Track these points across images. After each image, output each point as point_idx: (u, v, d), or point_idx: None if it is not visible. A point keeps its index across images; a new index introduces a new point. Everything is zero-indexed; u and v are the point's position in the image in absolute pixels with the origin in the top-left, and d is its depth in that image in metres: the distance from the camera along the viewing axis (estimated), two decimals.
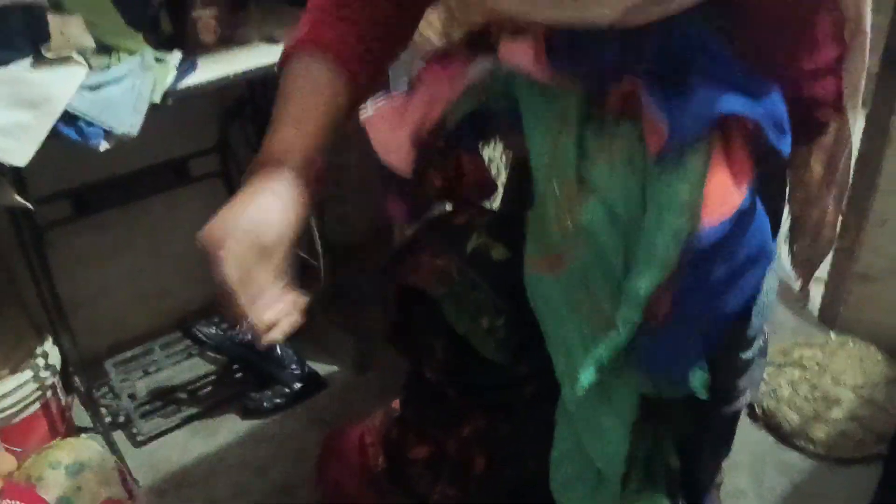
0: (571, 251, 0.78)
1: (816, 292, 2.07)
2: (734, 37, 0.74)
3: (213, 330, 1.90)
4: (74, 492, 0.92)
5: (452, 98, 0.85)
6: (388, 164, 0.90)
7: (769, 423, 1.76)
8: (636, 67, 0.73)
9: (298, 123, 0.81)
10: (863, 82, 0.80)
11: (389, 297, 1.02)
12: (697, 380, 0.80)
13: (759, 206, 0.75)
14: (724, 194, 0.70)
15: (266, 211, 0.76)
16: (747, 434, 1.73)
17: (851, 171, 0.88)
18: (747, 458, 1.69)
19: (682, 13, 0.68)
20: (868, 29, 0.78)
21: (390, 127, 0.87)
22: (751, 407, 1.79)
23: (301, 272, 1.07)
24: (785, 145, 0.73)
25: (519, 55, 0.78)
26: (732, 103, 0.70)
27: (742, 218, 0.72)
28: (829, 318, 2.02)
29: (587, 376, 0.77)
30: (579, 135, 0.76)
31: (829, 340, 1.91)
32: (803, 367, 1.83)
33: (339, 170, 2.02)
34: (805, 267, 1.00)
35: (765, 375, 1.86)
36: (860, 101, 0.82)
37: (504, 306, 0.94)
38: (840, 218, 0.93)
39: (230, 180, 1.93)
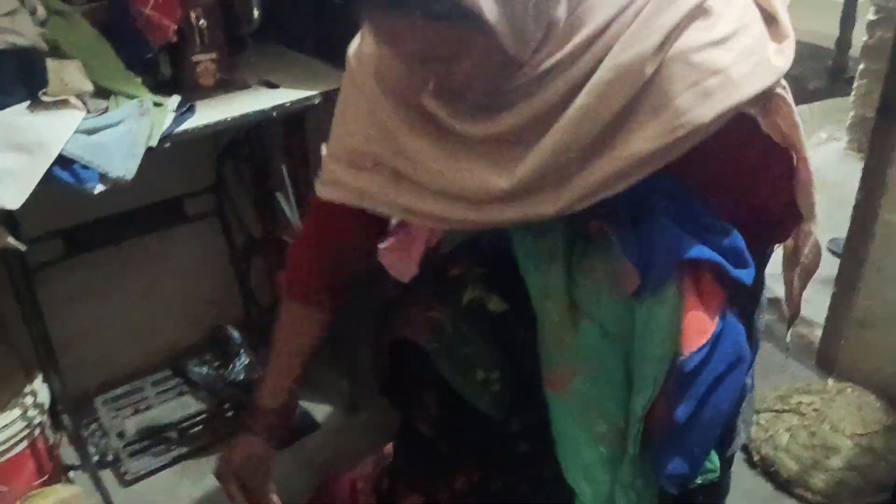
0: (574, 369, 0.86)
1: (814, 337, 2.06)
2: (687, 175, 0.82)
3: (204, 369, 1.87)
4: None
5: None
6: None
7: (767, 470, 1.74)
8: (602, 211, 0.81)
9: (280, 376, 1.16)
10: (814, 193, 0.87)
11: (381, 349, 1.01)
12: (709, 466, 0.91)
13: (732, 318, 0.84)
14: (698, 325, 0.80)
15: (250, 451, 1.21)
16: (744, 481, 1.71)
17: (820, 257, 0.94)
18: None
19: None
20: (806, 154, 0.84)
21: (399, 257, 1.08)
22: (748, 454, 1.77)
23: None
24: (747, 276, 0.83)
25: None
26: (696, 249, 0.80)
27: (718, 339, 0.81)
28: (827, 363, 2.01)
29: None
30: (566, 263, 0.86)
31: (827, 387, 1.89)
32: (801, 414, 1.81)
33: None
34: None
35: (762, 422, 1.84)
36: (815, 209, 0.88)
37: (500, 360, 0.93)
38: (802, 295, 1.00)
39: (225, 219, 1.92)
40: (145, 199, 1.77)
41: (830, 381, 1.92)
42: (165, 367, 1.96)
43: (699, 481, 0.92)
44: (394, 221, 1.06)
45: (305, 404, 1.93)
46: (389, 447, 1.31)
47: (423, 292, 0.94)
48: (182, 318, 1.96)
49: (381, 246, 1.06)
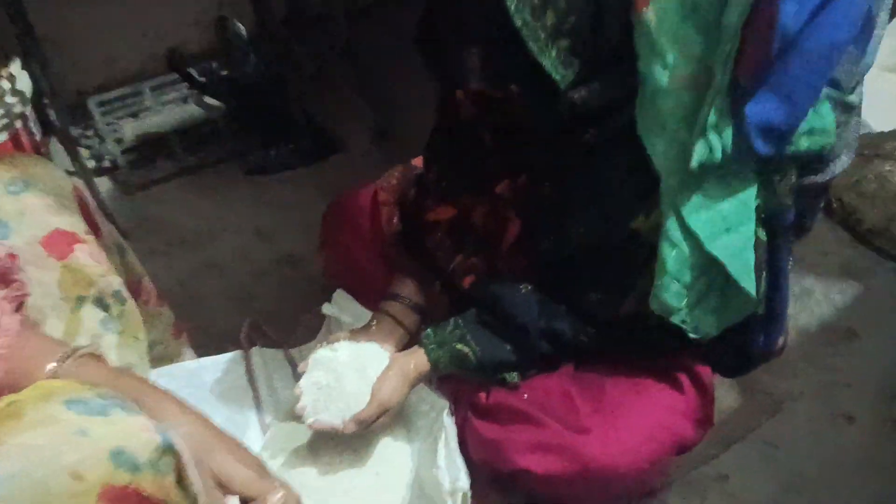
0: None
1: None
2: None
3: (208, 69, 1.62)
4: (14, 217, 0.71)
5: None
6: None
7: (846, 219, 1.54)
8: None
9: None
10: None
11: None
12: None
13: None
14: None
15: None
16: (820, 229, 1.51)
17: None
18: (817, 256, 1.48)
19: None
20: None
21: None
22: (827, 201, 1.55)
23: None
24: None
25: None
26: None
27: None
28: None
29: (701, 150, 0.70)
30: None
31: None
32: (894, 160, 1.58)
33: None
34: None
35: (847, 167, 1.61)
36: None
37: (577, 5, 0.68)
38: None
39: None
40: None
41: None
42: (166, 71, 1.71)
43: (805, 144, 0.72)
44: None
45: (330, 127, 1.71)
46: (419, 160, 1.09)
47: None
48: (187, 20, 1.68)
49: None
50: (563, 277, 0.90)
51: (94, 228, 0.82)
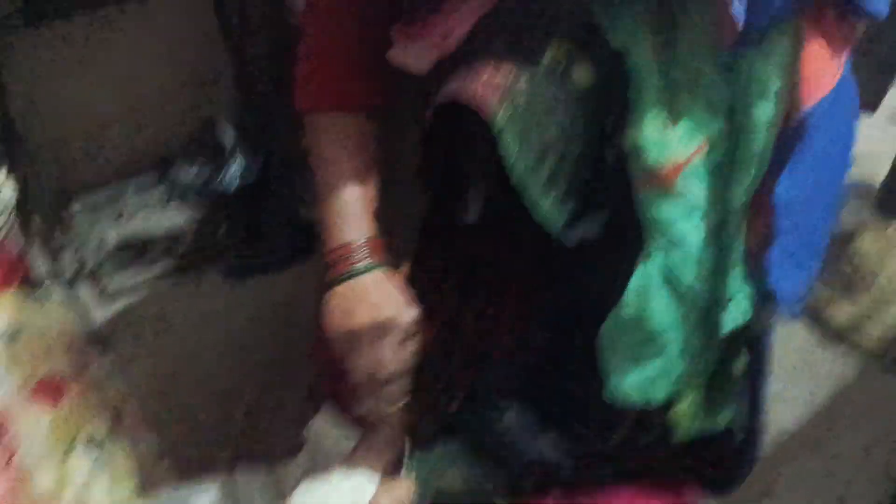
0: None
1: (877, 176, 1.85)
2: None
3: (193, 173, 1.64)
4: (4, 364, 0.71)
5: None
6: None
7: (817, 317, 1.58)
8: None
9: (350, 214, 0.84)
10: None
11: (428, 113, 0.75)
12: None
13: (848, 65, 0.72)
14: (821, 65, 0.68)
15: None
16: (789, 329, 1.55)
17: None
18: (790, 356, 1.51)
19: None
20: None
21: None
22: None
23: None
24: (884, 5, 0.68)
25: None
26: None
27: (839, 88, 0.69)
28: (891, 204, 1.80)
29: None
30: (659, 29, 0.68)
31: (887, 232, 1.70)
32: (860, 257, 1.63)
33: None
34: None
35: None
36: None
37: (574, 148, 0.70)
38: None
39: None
40: None
41: (890, 230, 1.72)
42: (150, 170, 1.72)
43: None
44: None
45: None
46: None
47: (492, 47, 0.68)
48: (168, 108, 1.69)
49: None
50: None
51: (82, 365, 0.82)
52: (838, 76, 0.69)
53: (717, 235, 0.71)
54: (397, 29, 0.78)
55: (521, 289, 0.91)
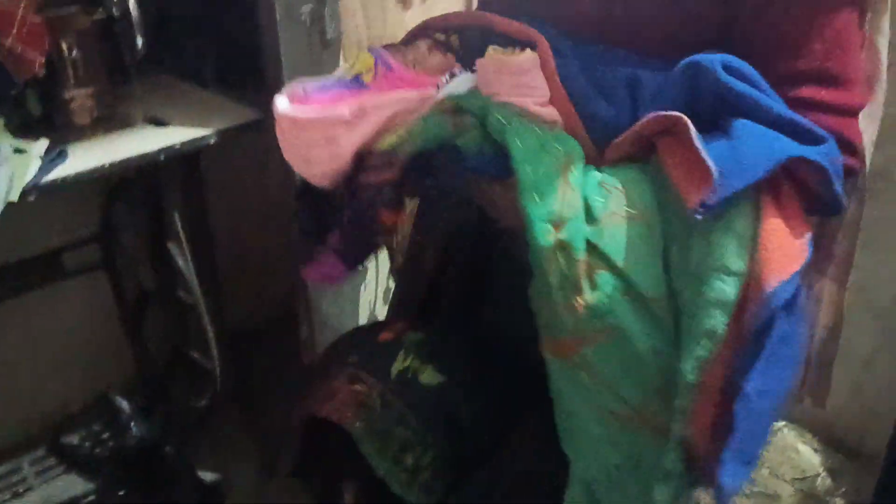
0: (584, 336, 0.66)
1: None
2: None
3: (86, 445, 1.65)
4: None
5: (419, 113, 0.71)
6: (307, 186, 0.76)
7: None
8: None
9: None
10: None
11: (294, 426, 0.85)
12: None
13: None
14: (787, 247, 0.62)
15: None
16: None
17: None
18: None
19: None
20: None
21: (320, 130, 0.70)
22: None
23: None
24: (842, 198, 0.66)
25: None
26: (796, 147, 0.62)
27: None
28: None
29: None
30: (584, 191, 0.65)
31: None
32: None
33: (239, 243, 1.85)
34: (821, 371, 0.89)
35: None
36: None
37: (433, 440, 0.80)
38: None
39: (113, 272, 1.71)
40: (15, 253, 1.54)
41: None
42: (43, 444, 1.72)
43: None
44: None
45: (210, 472, 1.74)
46: None
47: (347, 360, 0.80)
48: (63, 384, 1.73)
49: (289, 103, 0.72)
50: None
51: None
52: (804, 257, 0.64)
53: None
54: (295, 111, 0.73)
55: None
